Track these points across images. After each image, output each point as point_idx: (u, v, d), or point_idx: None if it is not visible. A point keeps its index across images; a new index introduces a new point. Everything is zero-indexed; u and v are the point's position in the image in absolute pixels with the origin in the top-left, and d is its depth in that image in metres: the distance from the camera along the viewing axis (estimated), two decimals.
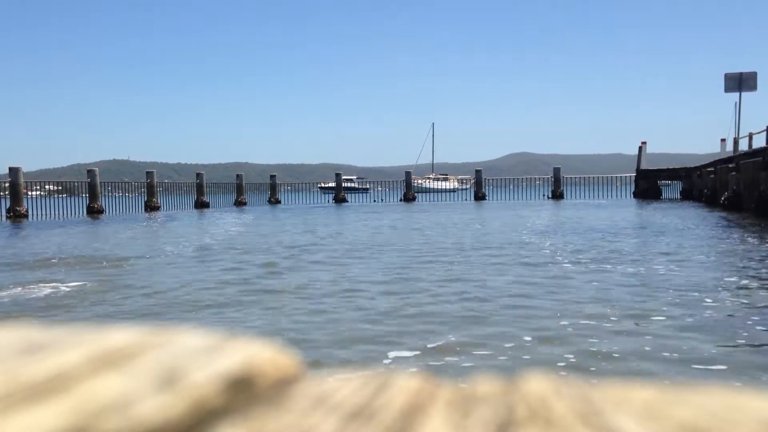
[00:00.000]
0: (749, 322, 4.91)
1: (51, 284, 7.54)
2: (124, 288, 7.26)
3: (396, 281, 7.29)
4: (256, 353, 0.34)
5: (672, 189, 35.82)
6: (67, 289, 7.20)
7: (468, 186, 43.74)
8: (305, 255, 10.20)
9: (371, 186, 49.13)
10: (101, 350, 0.33)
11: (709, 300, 5.76)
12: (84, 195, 29.27)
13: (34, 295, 6.82)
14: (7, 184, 25.58)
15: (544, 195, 37.37)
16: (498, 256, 9.34)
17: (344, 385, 0.33)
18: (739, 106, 26.28)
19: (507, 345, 4.31)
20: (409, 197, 38.37)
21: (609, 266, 8.10)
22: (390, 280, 7.39)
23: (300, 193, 44.59)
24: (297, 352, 0.37)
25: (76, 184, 30.76)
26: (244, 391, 0.31)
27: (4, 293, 6.99)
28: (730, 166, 21.16)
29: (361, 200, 41.16)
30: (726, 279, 6.97)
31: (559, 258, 8.92)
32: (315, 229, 16.77)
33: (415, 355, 4.14)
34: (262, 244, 12.27)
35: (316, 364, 3.89)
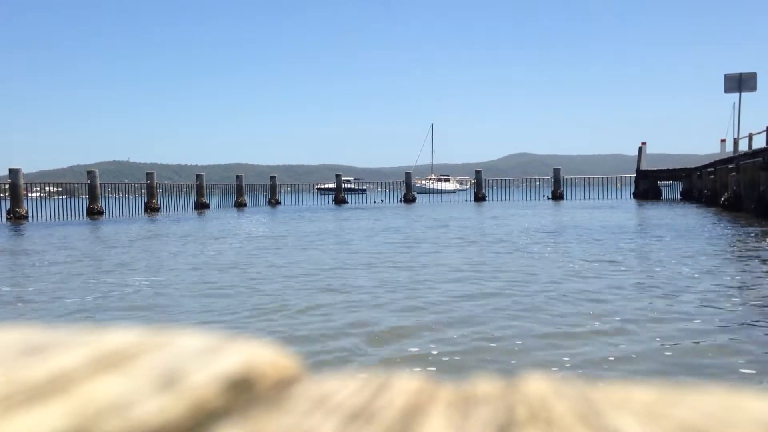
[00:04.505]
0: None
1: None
2: None
3: None
4: (256, 354, 0.34)
5: (672, 189, 35.83)
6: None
7: (467, 187, 43.72)
8: None
9: (371, 187, 49.00)
10: (101, 351, 0.33)
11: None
12: (84, 196, 29.24)
13: None
14: (7, 186, 25.57)
15: (544, 196, 37.36)
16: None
17: (344, 386, 0.33)
18: (738, 107, 26.27)
19: None
20: (409, 198, 38.33)
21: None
22: None
23: (299, 194, 44.54)
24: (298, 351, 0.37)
25: (76, 185, 30.73)
26: (244, 393, 0.31)
27: None
28: (730, 166, 21.15)
29: (360, 201, 41.11)
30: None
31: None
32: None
33: None
34: None
35: (315, 365, 3.88)
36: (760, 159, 17.05)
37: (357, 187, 49.32)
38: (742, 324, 4.88)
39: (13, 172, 25.42)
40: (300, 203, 41.29)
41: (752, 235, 12.05)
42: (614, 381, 0.34)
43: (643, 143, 35.30)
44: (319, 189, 49.90)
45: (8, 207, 25.14)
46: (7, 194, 25.52)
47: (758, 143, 22.29)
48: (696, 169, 30.97)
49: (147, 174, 32.74)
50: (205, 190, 36.05)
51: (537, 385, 0.33)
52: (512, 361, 3.99)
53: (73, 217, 27.24)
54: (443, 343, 4.43)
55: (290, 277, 7.92)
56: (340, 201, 39.40)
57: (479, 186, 37.71)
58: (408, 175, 39.82)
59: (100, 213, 28.45)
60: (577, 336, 4.57)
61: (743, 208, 18.90)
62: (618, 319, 5.08)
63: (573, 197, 36.64)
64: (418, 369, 3.80)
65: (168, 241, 14.45)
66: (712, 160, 27.76)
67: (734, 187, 20.39)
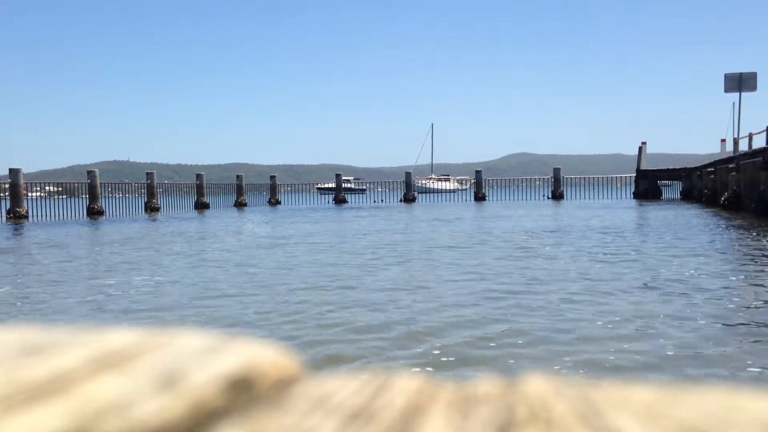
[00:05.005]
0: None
1: None
2: None
3: None
4: (256, 354, 0.34)
5: (672, 189, 35.82)
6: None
7: (467, 186, 43.70)
8: None
9: (371, 187, 48.92)
10: (101, 351, 0.33)
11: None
12: (84, 196, 29.24)
13: None
14: (7, 185, 25.57)
15: (544, 195, 37.36)
16: None
17: (344, 386, 0.33)
18: (738, 107, 26.27)
19: None
20: (409, 198, 38.32)
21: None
22: None
23: (299, 194, 44.53)
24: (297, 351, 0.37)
25: (76, 185, 30.73)
26: (244, 392, 0.31)
27: None
28: (730, 166, 21.15)
29: (360, 201, 41.09)
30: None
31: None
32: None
33: None
34: None
35: (316, 365, 3.88)
36: (760, 159, 17.05)
37: (357, 187, 49.25)
38: (743, 324, 4.88)
39: (13, 172, 25.42)
40: (300, 203, 41.28)
41: (753, 234, 12.06)
42: (614, 381, 0.34)
43: (643, 143, 35.29)
44: (319, 189, 49.80)
45: (8, 207, 25.15)
46: (7, 194, 25.53)
47: (758, 143, 22.29)
48: (696, 168, 30.96)
49: (147, 174, 32.73)
50: (205, 189, 36.04)
51: (537, 385, 0.33)
52: (511, 361, 4.00)
53: (73, 216, 27.24)
54: (444, 345, 4.44)
55: (291, 277, 7.92)
56: (340, 201, 39.39)
57: (479, 186, 37.69)
58: (408, 174, 39.79)
59: (101, 213, 28.45)
60: (578, 335, 4.57)
61: (743, 207, 18.90)
62: (618, 319, 5.09)
63: (573, 197, 36.64)
64: (418, 369, 3.80)
65: (169, 241, 14.45)
66: (712, 160, 27.75)
67: (734, 187, 20.39)
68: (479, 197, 37.10)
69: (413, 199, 38.43)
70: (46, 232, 18.30)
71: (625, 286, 6.58)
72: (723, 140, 32.40)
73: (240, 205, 37.55)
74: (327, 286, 7.08)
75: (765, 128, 20.40)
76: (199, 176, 36.09)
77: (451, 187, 49.73)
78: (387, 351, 4.30)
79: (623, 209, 23.58)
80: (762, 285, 6.56)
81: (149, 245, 13.48)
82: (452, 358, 4.08)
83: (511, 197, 37.82)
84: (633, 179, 35.75)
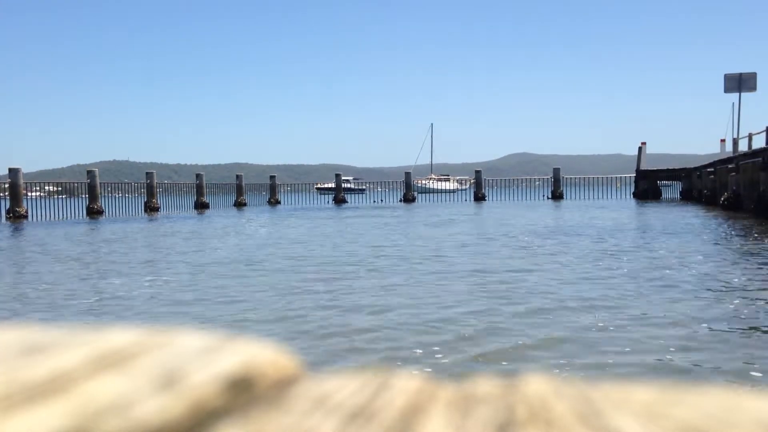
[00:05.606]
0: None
1: None
2: None
3: None
4: (256, 354, 0.34)
5: (672, 189, 35.83)
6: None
7: (467, 186, 43.70)
8: None
9: (370, 186, 48.83)
10: (101, 351, 0.33)
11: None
12: (84, 196, 29.23)
13: None
14: (6, 185, 25.56)
15: (543, 196, 37.37)
16: None
17: (344, 386, 0.33)
18: (738, 107, 26.29)
19: None
20: (408, 198, 38.32)
21: None
22: None
23: (299, 194, 44.53)
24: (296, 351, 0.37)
25: (76, 184, 30.71)
26: (244, 392, 0.31)
27: None
28: (730, 166, 21.16)
29: (360, 201, 41.08)
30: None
31: None
32: None
33: None
34: None
35: (316, 365, 3.88)
36: (760, 159, 17.06)
37: (356, 187, 49.20)
38: (743, 323, 4.88)
39: (13, 172, 25.41)
40: (300, 203, 41.28)
41: (753, 234, 12.06)
42: (614, 381, 0.34)
43: (643, 143, 35.30)
44: (318, 189, 49.72)
45: (8, 206, 25.14)
46: (6, 194, 25.52)
47: (758, 143, 22.30)
48: (696, 169, 30.96)
49: (147, 173, 32.73)
50: (204, 189, 36.03)
51: (537, 385, 0.33)
52: (503, 362, 4.00)
53: (72, 216, 27.23)
54: (448, 347, 4.44)
55: (291, 277, 7.92)
56: (339, 201, 39.39)
57: (479, 186, 37.69)
58: (408, 174, 39.78)
59: (100, 212, 28.44)
60: (579, 335, 4.57)
61: (743, 208, 18.91)
62: (617, 320, 5.09)
63: (573, 197, 36.65)
64: (417, 370, 3.80)
65: (168, 241, 14.45)
66: (711, 160, 27.75)
67: (734, 187, 20.40)
68: (479, 197, 37.10)
69: (413, 199, 38.43)
70: (45, 231, 18.29)
71: (625, 286, 6.58)
72: (723, 140, 32.40)
73: (240, 205, 37.53)
74: (327, 286, 7.08)
75: (765, 128, 20.41)
76: (198, 176, 36.08)
77: (451, 187, 49.68)
78: (388, 351, 4.30)
79: (623, 209, 23.58)
80: (762, 285, 6.56)
81: (149, 245, 13.48)
82: (456, 361, 4.09)
83: (511, 197, 37.81)
84: (633, 179, 35.77)
